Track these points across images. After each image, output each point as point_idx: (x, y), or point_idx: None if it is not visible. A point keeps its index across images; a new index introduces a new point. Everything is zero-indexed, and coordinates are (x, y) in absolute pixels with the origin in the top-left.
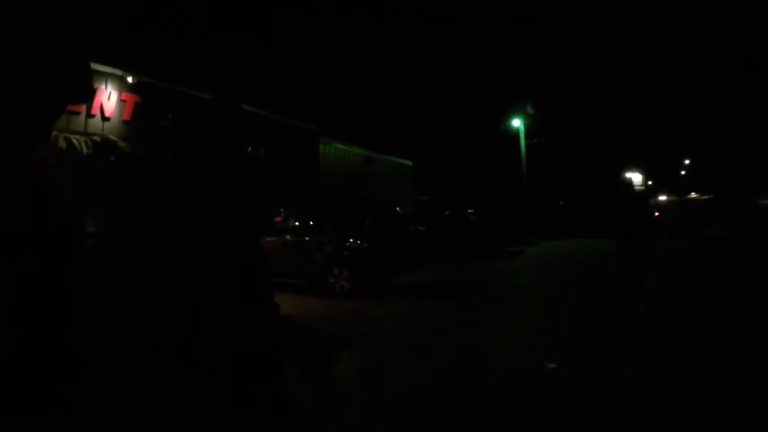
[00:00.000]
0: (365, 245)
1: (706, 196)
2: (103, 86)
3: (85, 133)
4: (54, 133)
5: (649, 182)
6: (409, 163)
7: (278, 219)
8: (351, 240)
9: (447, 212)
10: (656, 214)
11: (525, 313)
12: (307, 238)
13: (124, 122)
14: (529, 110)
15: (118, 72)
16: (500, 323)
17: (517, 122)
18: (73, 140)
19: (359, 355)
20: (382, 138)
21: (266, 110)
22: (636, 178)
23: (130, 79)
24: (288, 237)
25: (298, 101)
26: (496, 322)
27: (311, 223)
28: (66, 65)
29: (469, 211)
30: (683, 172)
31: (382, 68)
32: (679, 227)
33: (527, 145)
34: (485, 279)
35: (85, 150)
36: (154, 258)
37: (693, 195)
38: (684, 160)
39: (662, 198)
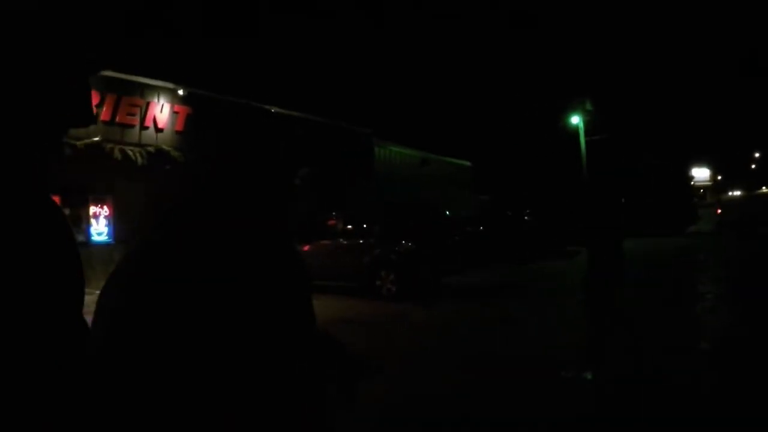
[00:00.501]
0: (413, 248)
1: None
2: (155, 99)
3: (140, 145)
4: (109, 144)
5: (718, 177)
6: (468, 163)
7: (331, 222)
8: (399, 243)
9: (507, 212)
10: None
11: (569, 316)
12: (357, 241)
13: (177, 133)
14: (588, 107)
15: (170, 85)
16: (545, 326)
17: (576, 119)
18: (128, 151)
19: (389, 361)
20: (439, 139)
21: (321, 116)
22: (703, 173)
23: (181, 92)
24: (337, 240)
25: (355, 106)
26: (543, 324)
27: (361, 226)
28: (65, 84)
29: (526, 210)
30: (753, 166)
31: (440, 70)
32: (740, 225)
33: (586, 142)
34: (537, 280)
35: (140, 161)
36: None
37: (765, 189)
38: (754, 154)
39: (727, 194)
